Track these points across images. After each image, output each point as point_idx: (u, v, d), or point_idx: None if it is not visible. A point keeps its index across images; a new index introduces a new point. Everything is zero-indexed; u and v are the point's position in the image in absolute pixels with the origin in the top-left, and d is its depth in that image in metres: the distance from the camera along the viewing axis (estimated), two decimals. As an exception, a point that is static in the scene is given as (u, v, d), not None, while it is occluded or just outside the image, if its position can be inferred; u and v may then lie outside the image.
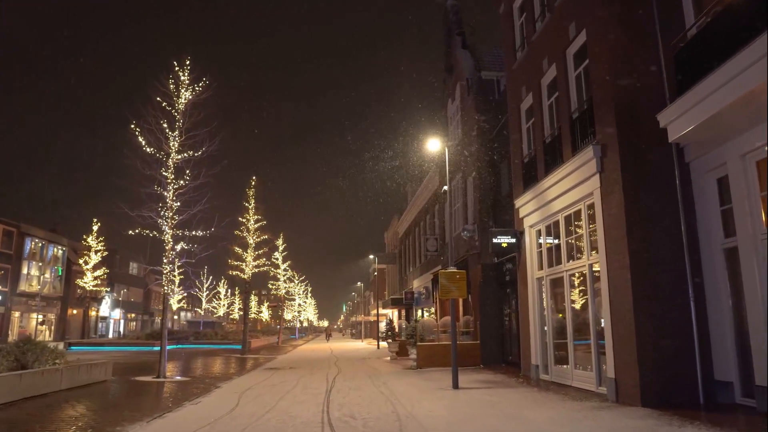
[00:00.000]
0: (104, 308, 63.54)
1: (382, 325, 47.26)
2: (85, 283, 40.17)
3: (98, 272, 39.55)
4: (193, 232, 16.29)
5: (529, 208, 14.12)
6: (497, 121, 18.45)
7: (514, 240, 14.86)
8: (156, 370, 15.61)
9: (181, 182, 16.16)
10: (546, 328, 13.18)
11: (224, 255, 30.53)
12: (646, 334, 9.10)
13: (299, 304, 72.69)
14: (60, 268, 51.41)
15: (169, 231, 16.05)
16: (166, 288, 16.15)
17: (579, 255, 11.65)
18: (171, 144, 16.37)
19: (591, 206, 11.02)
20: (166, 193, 16.12)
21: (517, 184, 15.29)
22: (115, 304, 65.62)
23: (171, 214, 16.15)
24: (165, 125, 16.37)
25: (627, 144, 9.86)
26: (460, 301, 20.73)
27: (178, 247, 16.13)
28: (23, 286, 46.40)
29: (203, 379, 15.58)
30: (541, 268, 13.70)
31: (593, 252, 10.96)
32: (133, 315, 73.62)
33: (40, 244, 49.04)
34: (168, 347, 36.86)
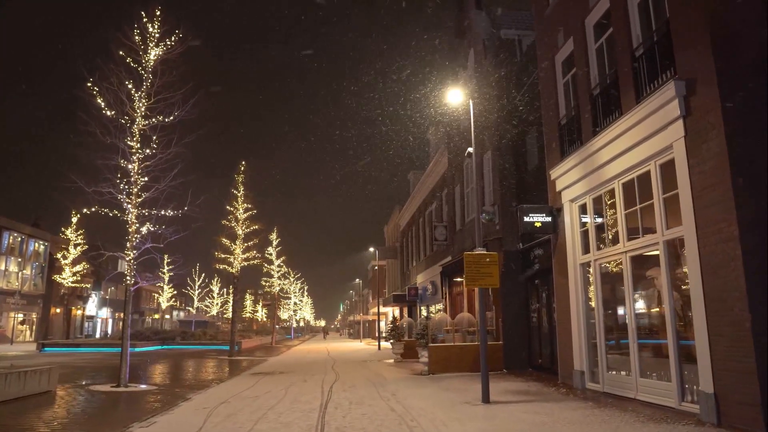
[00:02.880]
0: (91, 307, 60.73)
1: (383, 324, 44.62)
2: (63, 278, 37.33)
3: (78, 267, 36.73)
4: (162, 212, 13.61)
5: (569, 178, 11.52)
6: (520, 84, 15.82)
7: (549, 219, 12.25)
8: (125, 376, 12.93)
9: (148, 152, 13.50)
10: (596, 325, 10.56)
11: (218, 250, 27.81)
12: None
13: (295, 303, 70.03)
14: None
15: (133, 210, 13.39)
16: (129, 278, 13.50)
17: (647, 230, 9.04)
18: (136, 107, 13.71)
19: (667, 165, 8.42)
20: (130, 166, 13.47)
21: (551, 153, 12.68)
22: (103, 302, 62.82)
23: (136, 190, 13.49)
24: (130, 86, 13.71)
25: (728, 75, 7.27)
26: (476, 294, 18.08)
27: (144, 229, 13.47)
28: (1, 284, 43.67)
29: (173, 387, 12.93)
30: (586, 251, 11.09)
31: (671, 224, 8.36)
32: (122, 314, 70.82)
33: (19, 239, 46.31)
34: (151, 348, 34.29)
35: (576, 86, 11.73)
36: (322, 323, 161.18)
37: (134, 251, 13.39)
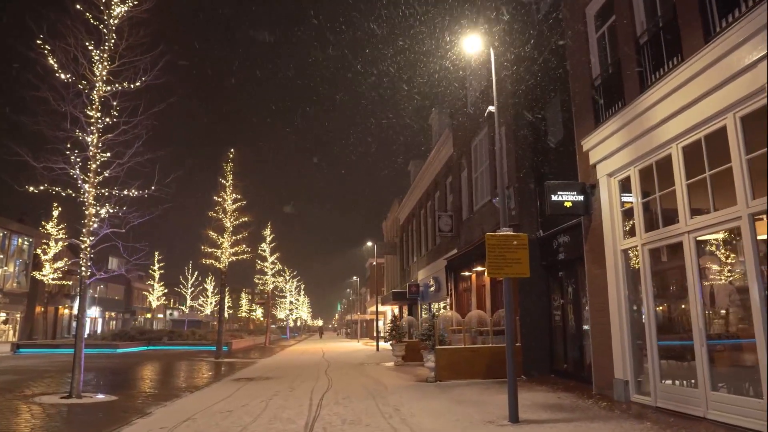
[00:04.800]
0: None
1: (381, 324, 42.68)
2: (43, 276, 35.23)
3: (59, 264, 34.65)
4: (125, 192, 11.63)
5: (607, 147, 9.58)
6: (540, 49, 13.86)
7: (581, 197, 10.31)
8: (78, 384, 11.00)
9: (108, 120, 11.53)
10: (645, 324, 8.61)
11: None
12: None
13: (290, 302, 68.02)
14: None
15: (90, 190, 11.42)
16: (84, 269, 11.52)
17: (721, 203, 7.11)
18: (97, 71, 11.75)
19: (752, 117, 6.51)
20: (88, 138, 11.51)
21: (582, 121, 10.75)
22: (92, 301, 60.72)
23: (95, 166, 11.53)
24: (90, 46, 11.75)
25: None
26: (487, 289, 16.18)
27: (103, 212, 11.50)
28: (-20, 281, 41.62)
29: (136, 398, 10.95)
30: (630, 234, 9.16)
31: (758, 193, 6.43)
32: (113, 313, 68.80)
33: (0, 234, 44.21)
34: (135, 349, 32.22)
35: (615, 38, 9.79)
36: (320, 323, 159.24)
37: (91, 237, 11.41)
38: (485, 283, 16.50)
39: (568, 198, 10.26)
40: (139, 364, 21.08)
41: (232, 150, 26.61)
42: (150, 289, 58.75)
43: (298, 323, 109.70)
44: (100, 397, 10.94)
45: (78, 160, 11.06)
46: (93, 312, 61.62)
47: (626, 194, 9.53)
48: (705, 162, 7.33)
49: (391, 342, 20.08)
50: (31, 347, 29.82)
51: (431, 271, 25.19)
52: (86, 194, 11.40)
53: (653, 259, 8.71)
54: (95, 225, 11.42)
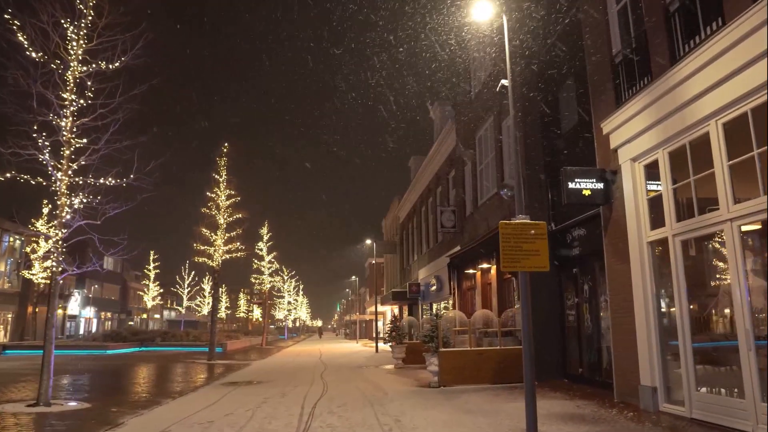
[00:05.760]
0: (74, 306, 57.72)
1: (380, 325, 41.72)
2: (33, 274, 34.20)
3: (48, 263, 33.59)
4: (101, 180, 10.67)
5: (631, 129, 8.64)
6: (549, 31, 12.91)
7: (600, 185, 9.37)
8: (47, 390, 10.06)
9: (82, 102, 10.58)
10: (677, 324, 7.65)
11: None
12: None
13: (289, 302, 67.04)
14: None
15: (63, 178, 10.47)
16: (54, 264, 10.57)
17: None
18: (72, 49, 10.80)
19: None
20: (63, 122, 10.55)
21: (601, 102, 9.80)
22: (86, 301, 59.76)
23: (68, 152, 10.57)
24: (65, 23, 10.81)
25: None
26: (494, 287, 15.23)
27: (77, 202, 10.55)
28: (-30, 281, 40.67)
29: (112, 405, 9.97)
30: (659, 224, 8.20)
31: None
32: (108, 314, 67.74)
33: (-9, 233, 43.25)
34: (126, 351, 31.20)
35: (639, 8, 8.84)
36: (319, 323, 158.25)
37: (63, 230, 10.46)
38: (491, 280, 15.55)
39: (587, 186, 9.32)
40: (127, 366, 20.12)
41: (225, 144, 25.71)
42: (145, 289, 57.67)
43: (297, 324, 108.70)
44: (72, 404, 9.97)
45: (47, 144, 10.09)
46: (88, 312, 60.63)
47: (652, 182, 8.60)
48: (753, 139, 6.39)
49: (390, 344, 19.13)
50: (18, 348, 28.86)
51: (433, 270, 24.24)
52: (58, 183, 10.45)
53: (685, 250, 7.76)
54: (68, 216, 10.47)
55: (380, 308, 38.00)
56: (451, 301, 19.59)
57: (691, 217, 7.47)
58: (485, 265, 16.03)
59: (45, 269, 34.52)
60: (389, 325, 19.52)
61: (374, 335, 36.70)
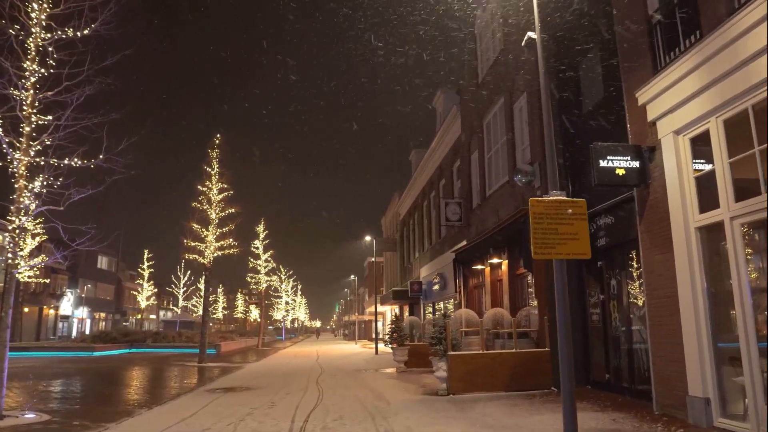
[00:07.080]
0: (66, 306, 56.36)
1: (380, 325, 40.47)
2: (18, 273, 32.94)
3: (35, 260, 32.38)
4: (65, 161, 9.44)
5: (674, 96, 7.40)
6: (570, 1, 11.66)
7: (636, 163, 8.13)
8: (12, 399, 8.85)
9: (44, 72, 9.36)
10: (739, 323, 6.40)
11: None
12: None
13: (286, 303, 65.77)
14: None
15: (22, 158, 9.24)
16: (11, 255, 9.36)
17: None
18: (32, 13, 9.56)
19: None
20: (20, 94, 9.31)
21: (633, 69, 8.56)
22: (79, 301, 58.38)
23: (28, 129, 9.34)
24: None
25: None
26: (505, 284, 13.98)
27: (37, 184, 9.33)
28: (-44, 280, 39.40)
29: (73, 418, 8.73)
30: (711, 205, 6.95)
31: None
32: (102, 314, 66.33)
33: (-22, 230, 41.96)
34: (114, 352, 29.88)
35: (684, -44, 7.61)
36: (318, 324, 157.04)
37: (21, 217, 9.24)
38: (502, 276, 14.31)
39: (621, 164, 8.07)
40: (111, 369, 18.86)
41: (218, 135, 24.48)
42: (139, 289, 56.35)
43: (296, 324, 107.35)
44: (29, 416, 8.72)
45: (1, 119, 8.86)
46: (81, 312, 59.27)
47: (698, 161, 7.38)
48: None
49: (391, 345, 17.90)
50: (1, 350, 27.50)
51: (436, 267, 23.00)
52: (17, 163, 9.22)
53: (748, 237, 6.53)
54: (27, 201, 9.25)
55: (380, 308, 36.74)
56: (456, 300, 18.34)
57: (757, 196, 6.23)
58: (495, 260, 14.79)
59: (32, 267, 33.44)
60: (390, 326, 18.27)
61: (374, 336, 35.43)
